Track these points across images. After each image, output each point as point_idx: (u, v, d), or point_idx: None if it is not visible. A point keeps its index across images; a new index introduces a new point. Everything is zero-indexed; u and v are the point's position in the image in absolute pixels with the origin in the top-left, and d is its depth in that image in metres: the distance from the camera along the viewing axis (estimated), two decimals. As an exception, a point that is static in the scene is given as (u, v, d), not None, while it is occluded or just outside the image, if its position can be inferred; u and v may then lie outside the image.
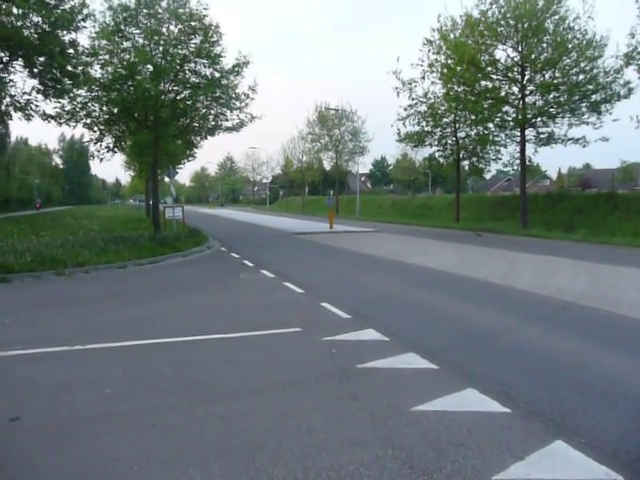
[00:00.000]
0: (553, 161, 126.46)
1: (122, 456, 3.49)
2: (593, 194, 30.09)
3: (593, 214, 25.28)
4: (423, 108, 29.91)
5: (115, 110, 19.77)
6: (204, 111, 20.88)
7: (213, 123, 21.37)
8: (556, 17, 24.09)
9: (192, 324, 7.11)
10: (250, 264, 13.37)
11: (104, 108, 19.79)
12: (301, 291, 9.54)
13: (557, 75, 24.76)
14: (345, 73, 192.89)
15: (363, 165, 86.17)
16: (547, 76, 25.23)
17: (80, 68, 18.98)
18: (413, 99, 29.69)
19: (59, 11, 17.77)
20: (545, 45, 24.46)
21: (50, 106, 20.22)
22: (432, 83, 29.01)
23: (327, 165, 59.17)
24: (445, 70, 27.01)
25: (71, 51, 18.85)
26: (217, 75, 19.68)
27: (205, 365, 5.40)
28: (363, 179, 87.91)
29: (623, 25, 26.62)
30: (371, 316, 7.49)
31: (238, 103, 20.43)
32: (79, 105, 19.35)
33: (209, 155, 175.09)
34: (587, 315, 7.68)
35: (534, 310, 8.05)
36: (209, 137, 22.82)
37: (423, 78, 28.61)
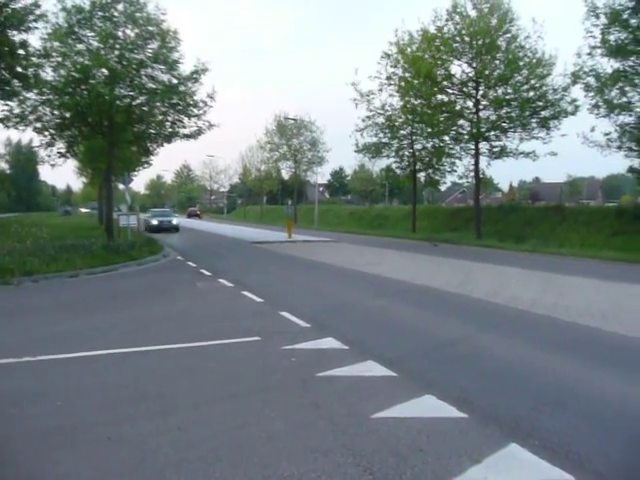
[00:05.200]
0: (505, 174, 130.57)
1: (76, 471, 3.36)
2: (542, 207, 31.31)
3: (542, 226, 26.24)
4: (381, 120, 30.50)
5: (68, 114, 19.16)
6: (161, 117, 20.52)
7: (170, 130, 21.01)
8: (508, 35, 25.12)
9: (148, 334, 6.94)
10: (207, 273, 13.17)
11: (56, 112, 19.14)
12: (260, 300, 9.47)
13: (509, 91, 25.73)
14: (304, 84, 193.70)
15: (321, 175, 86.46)
16: (500, 92, 26.19)
17: (31, 70, 18.39)
18: (371, 110, 30.26)
19: (9, 10, 17.23)
20: (498, 62, 25.42)
21: (-3, 108, 19.48)
22: (390, 95, 29.61)
23: (285, 174, 59.18)
24: (402, 83, 27.70)
25: (21, 52, 18.26)
26: (175, 81, 19.42)
27: (162, 376, 5.27)
28: (321, 189, 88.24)
29: (571, 46, 27.90)
30: (330, 325, 7.50)
31: (196, 110, 20.22)
32: (29, 108, 18.67)
33: (165, 163, 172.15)
34: (539, 322, 7.94)
35: (489, 318, 8.27)
36: (166, 144, 22.47)
37: (381, 90, 29.24)
